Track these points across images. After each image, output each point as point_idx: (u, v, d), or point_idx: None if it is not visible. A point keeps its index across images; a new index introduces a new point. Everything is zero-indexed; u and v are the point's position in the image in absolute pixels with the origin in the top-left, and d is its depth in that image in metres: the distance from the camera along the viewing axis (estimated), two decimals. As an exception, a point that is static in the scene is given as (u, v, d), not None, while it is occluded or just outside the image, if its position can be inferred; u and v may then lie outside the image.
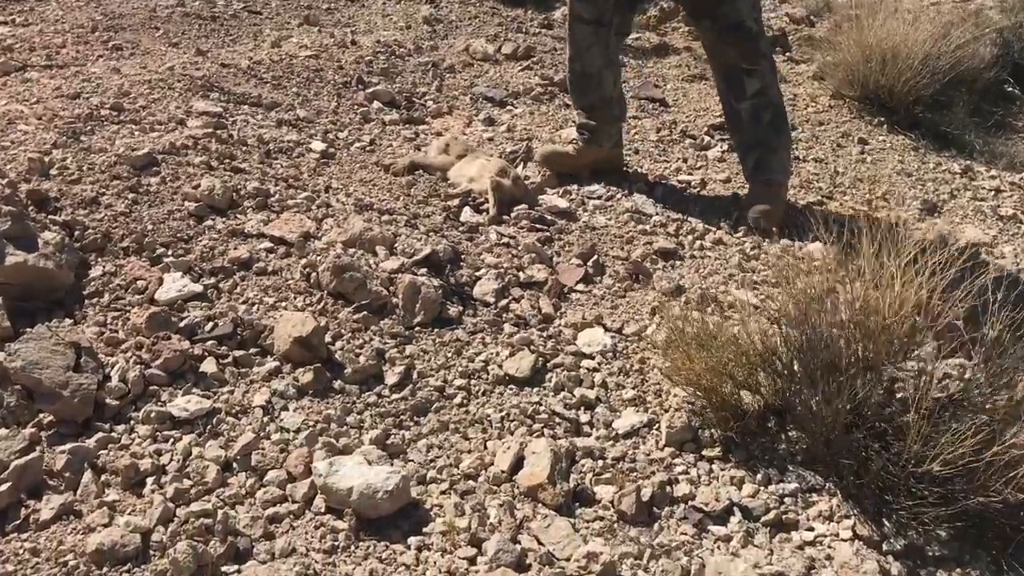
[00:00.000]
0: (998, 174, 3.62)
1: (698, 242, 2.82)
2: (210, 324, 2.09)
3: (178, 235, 2.35)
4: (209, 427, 1.84)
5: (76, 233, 2.26)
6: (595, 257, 2.60)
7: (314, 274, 2.27)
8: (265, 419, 1.88)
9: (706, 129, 3.74)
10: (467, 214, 2.74)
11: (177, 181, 2.57)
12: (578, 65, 3.09)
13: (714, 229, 2.91)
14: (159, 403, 1.87)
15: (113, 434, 1.80)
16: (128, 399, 1.87)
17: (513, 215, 2.76)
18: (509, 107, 3.89)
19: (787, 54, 5.02)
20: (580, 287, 2.49)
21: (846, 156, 3.64)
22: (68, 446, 1.74)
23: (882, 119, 4.06)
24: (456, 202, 2.78)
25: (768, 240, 2.85)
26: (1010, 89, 4.76)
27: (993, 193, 3.42)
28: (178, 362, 1.95)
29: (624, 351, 2.23)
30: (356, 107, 3.56)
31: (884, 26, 4.15)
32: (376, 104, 3.62)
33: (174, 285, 2.18)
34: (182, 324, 2.07)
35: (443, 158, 3.07)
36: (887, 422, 1.82)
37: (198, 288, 2.18)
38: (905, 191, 3.35)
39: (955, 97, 4.20)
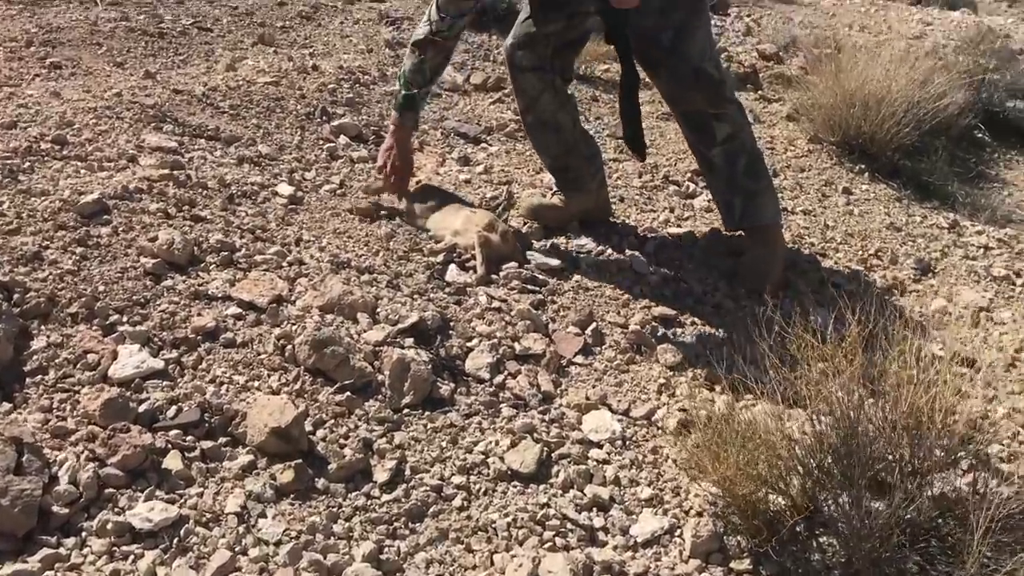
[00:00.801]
0: (984, 229, 3.54)
1: (697, 305, 2.64)
2: (173, 409, 1.83)
3: (134, 298, 2.08)
4: (176, 540, 1.57)
5: (15, 296, 1.97)
6: (593, 324, 2.40)
7: (289, 347, 2.03)
8: (241, 529, 1.63)
9: (689, 175, 3.57)
10: (453, 273, 2.51)
11: (131, 232, 2.29)
12: (532, 116, 2.92)
13: (711, 291, 2.74)
14: (117, 510, 1.60)
15: (61, 550, 1.52)
16: (79, 505, 1.60)
17: (503, 275, 2.55)
18: (484, 144, 3.67)
19: (759, 92, 4.92)
20: (580, 359, 2.29)
21: (833, 208, 3.52)
22: (6, 569, 1.46)
23: (863, 166, 3.96)
24: (440, 259, 2.56)
25: (770, 304, 2.68)
26: (980, 136, 4.73)
27: (983, 251, 3.33)
28: (138, 459, 1.69)
29: (634, 438, 2.04)
30: (322, 142, 3.30)
31: (863, 71, 4.06)
32: (343, 139, 3.37)
33: (131, 360, 1.91)
34: (141, 409, 1.80)
35: (419, 205, 2.84)
36: (939, 539, 1.66)
37: (158, 364, 1.92)
38: (897, 248, 3.23)
39: (931, 144, 4.13)
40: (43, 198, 2.33)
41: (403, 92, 2.77)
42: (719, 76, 2.76)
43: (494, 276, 2.54)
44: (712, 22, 6.34)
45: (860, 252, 3.16)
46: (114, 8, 4.64)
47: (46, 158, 2.60)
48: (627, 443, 2.02)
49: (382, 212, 2.78)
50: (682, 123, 2.91)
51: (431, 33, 2.66)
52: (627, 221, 3.12)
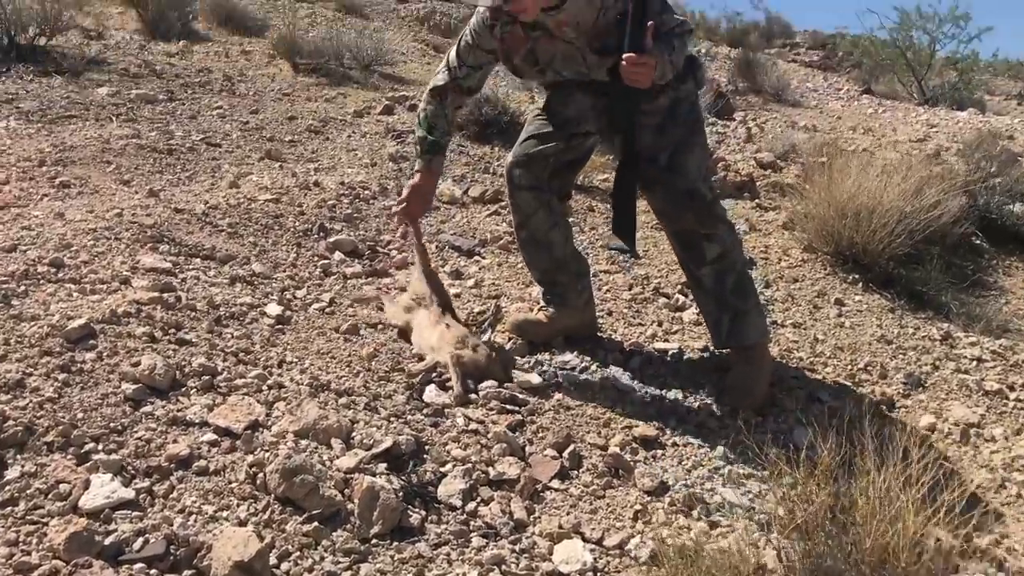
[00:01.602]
0: (978, 340, 3.52)
1: (679, 425, 2.64)
2: (140, 541, 1.83)
3: (111, 425, 2.11)
4: None
5: (-7, 425, 2.01)
6: (571, 446, 2.40)
7: (261, 475, 2.04)
8: (196, 671, 1.61)
9: (679, 287, 3.61)
10: (431, 393, 2.53)
11: (115, 356, 2.34)
12: (525, 232, 2.98)
13: (695, 408, 2.74)
14: (71, 650, 1.60)
15: None
16: (35, 644, 1.60)
17: (482, 394, 2.57)
18: (477, 257, 3.74)
19: (755, 200, 4.99)
20: (555, 483, 2.28)
21: (824, 320, 3.52)
22: None
23: (856, 276, 3.98)
24: (419, 379, 2.58)
25: (752, 421, 2.68)
26: (978, 242, 4.75)
27: (975, 363, 3.31)
28: (97, 596, 1.69)
29: (605, 569, 2.01)
30: (316, 259, 3.38)
31: (856, 181, 4.12)
32: (338, 255, 3.45)
33: (102, 490, 1.92)
34: (107, 542, 1.80)
35: (404, 317, 2.89)
36: None
37: (129, 494, 1.93)
38: (887, 361, 3.22)
39: (926, 253, 4.15)
40: (32, 323, 2.39)
41: (429, 138, 2.81)
42: (711, 196, 2.81)
43: (473, 395, 2.55)
44: (716, 127, 6.51)
45: (849, 366, 3.15)
46: (128, 125, 4.83)
47: (41, 281, 2.68)
48: (598, 574, 1.99)
49: (365, 326, 2.82)
50: (673, 241, 2.95)
51: (450, 79, 2.77)
52: (613, 336, 3.14)
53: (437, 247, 3.75)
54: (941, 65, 14.07)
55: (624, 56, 2.41)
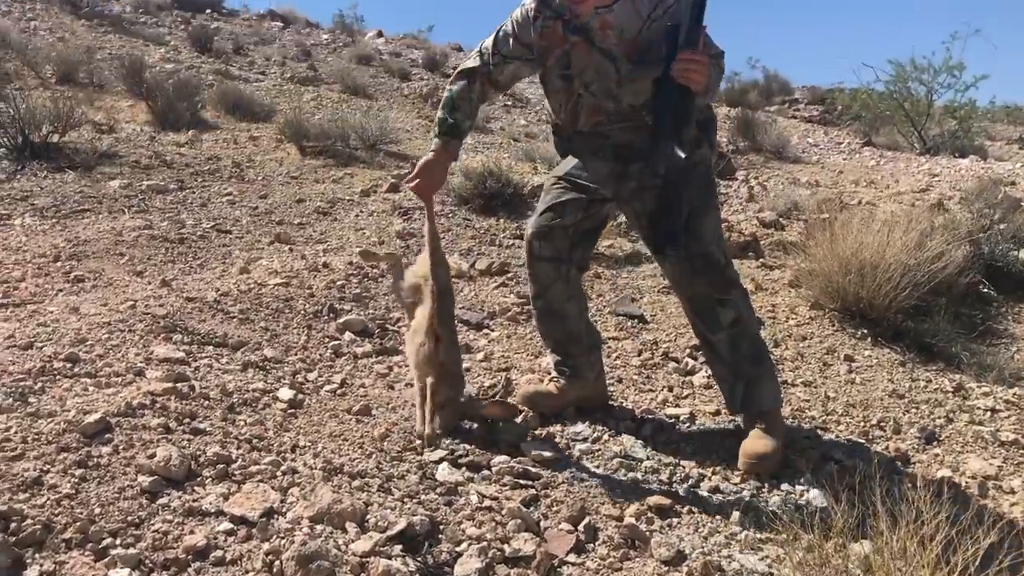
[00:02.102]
0: (991, 390, 3.52)
1: (693, 492, 2.64)
2: (158, 635, 1.84)
3: (128, 518, 2.13)
4: None
5: (12, 525, 2.03)
6: (586, 519, 2.40)
7: (277, 562, 2.05)
8: None
9: (688, 351, 3.63)
10: (444, 472, 2.54)
11: (131, 449, 2.37)
12: (541, 303, 3.01)
13: (709, 474, 2.74)
14: None
15: None
16: None
17: (495, 469, 2.58)
18: (486, 330, 3.78)
19: (760, 260, 5.03)
20: (572, 557, 2.27)
21: (834, 377, 3.53)
22: None
23: (865, 331, 4.00)
24: (435, 457, 2.60)
25: (766, 485, 2.68)
26: (986, 291, 4.76)
27: (990, 414, 3.30)
28: None
29: (625, 644, 2.00)
30: (327, 340, 3.43)
31: (858, 236, 4.16)
32: (348, 335, 3.49)
33: (119, 586, 1.94)
34: (126, 638, 1.82)
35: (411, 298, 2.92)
36: None
37: (146, 588, 1.94)
38: (900, 416, 3.22)
39: (934, 304, 4.17)
40: (49, 420, 2.43)
41: (449, 120, 2.73)
42: (725, 260, 2.81)
43: (486, 472, 2.57)
44: (718, 188, 6.58)
45: (862, 423, 3.14)
46: (140, 216, 4.94)
47: (58, 377, 2.72)
48: (617, 649, 1.98)
49: (377, 406, 2.85)
50: (687, 307, 2.94)
51: (481, 64, 2.76)
52: (624, 403, 3.16)
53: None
54: (940, 114, 14.24)
55: (680, 54, 2.41)
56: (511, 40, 2.72)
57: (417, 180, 2.74)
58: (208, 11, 16.52)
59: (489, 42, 2.77)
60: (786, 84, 19.11)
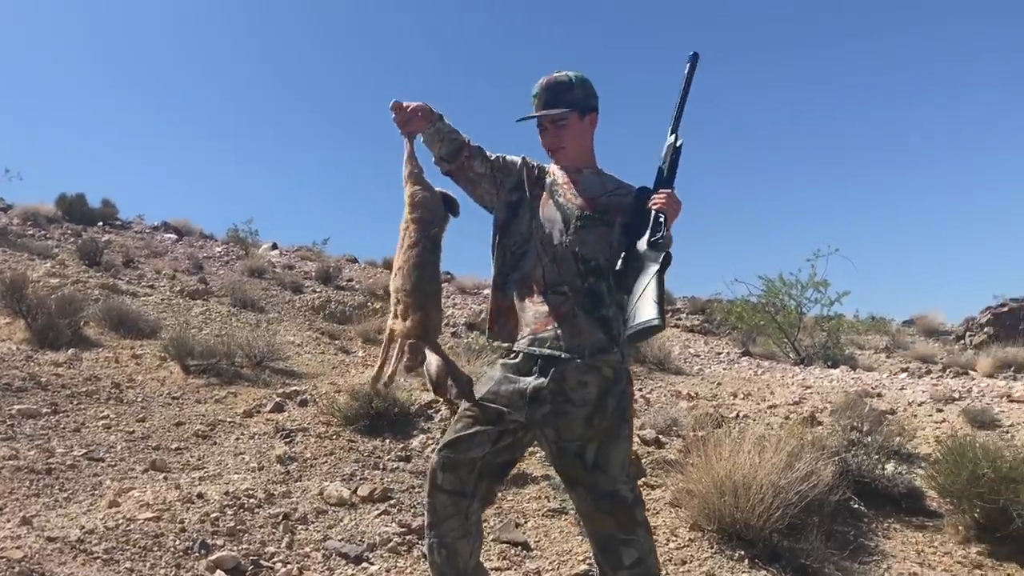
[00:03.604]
0: (863, 612, 3.59)
1: None
2: None
3: None
4: None
5: None
6: None
7: None
8: None
9: (571, 580, 3.61)
10: None
11: None
12: (434, 536, 2.95)
13: None
14: None
15: None
16: None
17: None
18: (365, 563, 3.68)
19: (642, 479, 5.11)
20: None
21: (713, 605, 3.55)
22: None
23: (743, 552, 4.06)
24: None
25: None
26: (856, 506, 4.94)
27: (864, 638, 3.36)
28: None
29: None
30: (196, 581, 3.28)
31: (731, 457, 4.31)
32: (219, 574, 3.35)
33: None
34: None
35: None
36: None
37: None
38: (778, 644, 3.24)
39: (808, 523, 4.29)
40: None
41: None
42: (632, 497, 2.78)
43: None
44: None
45: (741, 654, 3.15)
46: (6, 445, 4.72)
47: None
48: None
49: None
50: (592, 540, 2.87)
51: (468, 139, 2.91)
52: (505, 643, 3.08)
53: (323, 555, 3.68)
54: (811, 325, 15.14)
55: (663, 190, 2.69)
56: (501, 156, 2.93)
57: (408, 107, 2.83)
58: (100, 224, 16.53)
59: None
60: (669, 294, 20.07)
